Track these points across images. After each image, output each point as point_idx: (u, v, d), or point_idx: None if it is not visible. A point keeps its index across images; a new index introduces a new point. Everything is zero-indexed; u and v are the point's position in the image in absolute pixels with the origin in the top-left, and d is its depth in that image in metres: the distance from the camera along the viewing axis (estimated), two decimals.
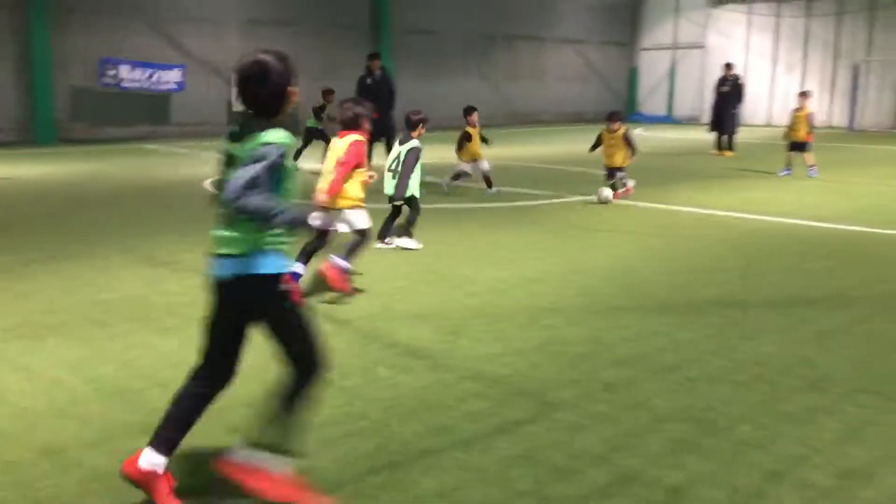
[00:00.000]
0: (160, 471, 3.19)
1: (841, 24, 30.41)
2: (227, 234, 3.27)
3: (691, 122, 33.40)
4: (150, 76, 22.52)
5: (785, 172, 14.87)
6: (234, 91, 25.16)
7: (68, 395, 4.38)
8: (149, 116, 23.05)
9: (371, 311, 5.99)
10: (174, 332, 5.47)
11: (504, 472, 3.55)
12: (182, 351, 5.10)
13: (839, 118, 30.36)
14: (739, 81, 20.28)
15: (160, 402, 4.27)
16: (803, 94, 15.61)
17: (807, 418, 4.15)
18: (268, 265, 3.18)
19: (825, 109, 30.99)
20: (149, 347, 5.17)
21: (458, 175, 12.57)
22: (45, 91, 21.21)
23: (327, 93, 15.30)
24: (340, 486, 3.42)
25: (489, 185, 12.41)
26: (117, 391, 4.44)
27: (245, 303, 3.24)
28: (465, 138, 12.38)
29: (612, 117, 12.19)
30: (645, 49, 36.17)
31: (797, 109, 15.19)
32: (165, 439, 3.25)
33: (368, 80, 14.79)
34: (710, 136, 20.46)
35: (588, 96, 35.00)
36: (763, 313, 6.05)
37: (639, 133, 27.78)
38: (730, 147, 19.29)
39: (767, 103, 32.14)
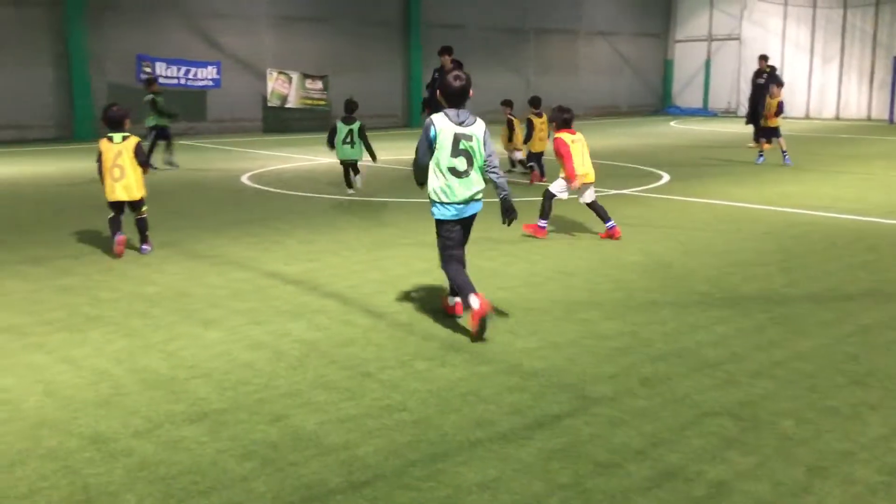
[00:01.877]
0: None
1: (880, 14, 29.82)
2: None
3: (727, 114, 33.00)
4: (186, 73, 22.76)
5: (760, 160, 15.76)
6: (269, 88, 25.28)
7: (113, 385, 4.46)
8: (185, 113, 23.29)
9: (408, 305, 6.02)
10: (216, 324, 5.55)
11: (544, 465, 3.55)
12: (225, 342, 5.18)
13: (878, 110, 29.81)
14: (776, 73, 19.98)
15: (204, 391, 4.37)
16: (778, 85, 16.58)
17: (851, 414, 4.09)
18: None
19: (864, 102, 30.46)
20: (191, 339, 5.25)
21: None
22: (83, 88, 21.55)
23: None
24: (381, 476, 3.45)
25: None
26: (161, 381, 4.51)
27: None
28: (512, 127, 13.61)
29: (535, 103, 13.52)
30: (679, 41, 35.78)
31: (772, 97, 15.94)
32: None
33: (436, 74, 13.91)
34: (747, 129, 20.19)
35: (621, 89, 34.73)
36: (804, 307, 5.97)
37: (674, 126, 27.51)
38: (767, 140, 19.01)
39: (805, 95, 31.65)
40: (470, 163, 5.44)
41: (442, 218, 5.52)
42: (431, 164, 5.42)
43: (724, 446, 3.73)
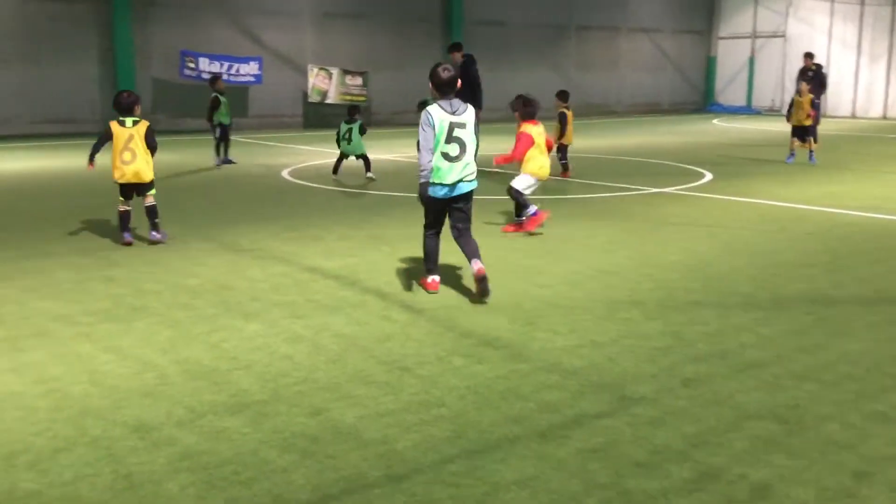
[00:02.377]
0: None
1: None
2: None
3: (771, 112, 32.47)
4: (229, 69, 23.02)
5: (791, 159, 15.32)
6: (310, 84, 25.48)
7: (157, 375, 4.54)
8: (228, 108, 23.55)
9: (446, 301, 6.02)
10: (257, 317, 5.61)
11: (583, 465, 3.53)
12: (265, 335, 5.23)
13: None
14: (822, 71, 19.59)
15: (245, 382, 4.42)
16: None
17: None
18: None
19: None
20: (233, 331, 5.31)
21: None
22: (127, 83, 21.91)
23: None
24: (419, 471, 3.46)
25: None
26: (204, 372, 4.58)
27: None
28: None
29: (565, 97, 13.59)
30: (723, 38, 35.28)
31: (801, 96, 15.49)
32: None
33: None
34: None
35: (663, 86, 34.36)
36: (851, 309, 5.85)
37: (716, 123, 27.14)
38: (801, 139, 18.67)
39: (851, 94, 31.02)
40: (462, 148, 5.94)
41: (433, 195, 6.04)
42: (434, 150, 5.95)
43: (767, 449, 3.67)
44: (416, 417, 4.00)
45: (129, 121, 7.70)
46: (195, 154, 16.78)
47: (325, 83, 24.63)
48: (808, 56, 19.74)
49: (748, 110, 33.63)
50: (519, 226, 8.54)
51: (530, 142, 8.34)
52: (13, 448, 3.66)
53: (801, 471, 3.48)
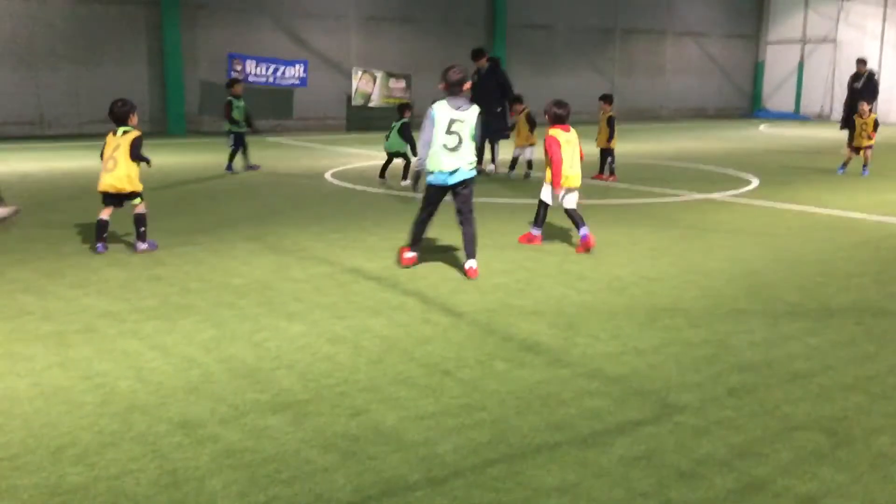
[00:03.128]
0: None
1: None
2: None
3: (820, 119, 31.86)
4: (275, 71, 23.30)
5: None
6: (354, 86, 25.65)
7: (201, 372, 4.60)
8: (273, 111, 23.86)
9: (487, 305, 6.01)
10: (300, 317, 5.65)
11: (625, 473, 3.49)
12: (307, 335, 5.27)
13: None
14: (874, 78, 19.20)
15: (288, 382, 4.46)
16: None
17: None
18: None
19: None
20: (276, 330, 5.36)
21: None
22: (176, 85, 22.32)
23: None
24: (460, 474, 3.45)
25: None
26: (248, 371, 4.62)
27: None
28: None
29: (610, 100, 13.54)
30: (771, 43, 34.73)
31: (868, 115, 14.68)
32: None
33: (474, 78, 13.89)
34: (842, 135, 19.45)
35: (710, 91, 33.94)
36: None
37: (763, 130, 26.72)
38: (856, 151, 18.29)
39: None
40: (460, 141, 6.72)
41: (432, 182, 6.87)
42: (434, 142, 6.73)
43: (814, 461, 3.59)
44: (457, 421, 3.99)
45: (120, 130, 7.64)
46: (239, 156, 16.98)
47: (369, 86, 24.78)
48: (861, 62, 19.37)
49: (796, 116, 33.05)
50: (534, 238, 8.15)
51: (559, 144, 7.77)
52: (61, 442, 3.74)
53: (849, 484, 3.40)
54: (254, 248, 7.90)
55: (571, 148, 7.85)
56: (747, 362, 4.85)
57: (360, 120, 25.10)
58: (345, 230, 8.85)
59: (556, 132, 7.83)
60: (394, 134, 12.68)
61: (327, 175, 13.88)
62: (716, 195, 11.65)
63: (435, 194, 6.94)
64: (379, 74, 24.82)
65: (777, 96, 34.54)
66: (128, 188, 7.62)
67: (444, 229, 8.92)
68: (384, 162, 13.07)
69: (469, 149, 6.77)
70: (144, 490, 3.31)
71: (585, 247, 7.79)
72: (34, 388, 4.36)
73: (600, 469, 3.52)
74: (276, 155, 17.31)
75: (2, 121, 20.70)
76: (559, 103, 7.99)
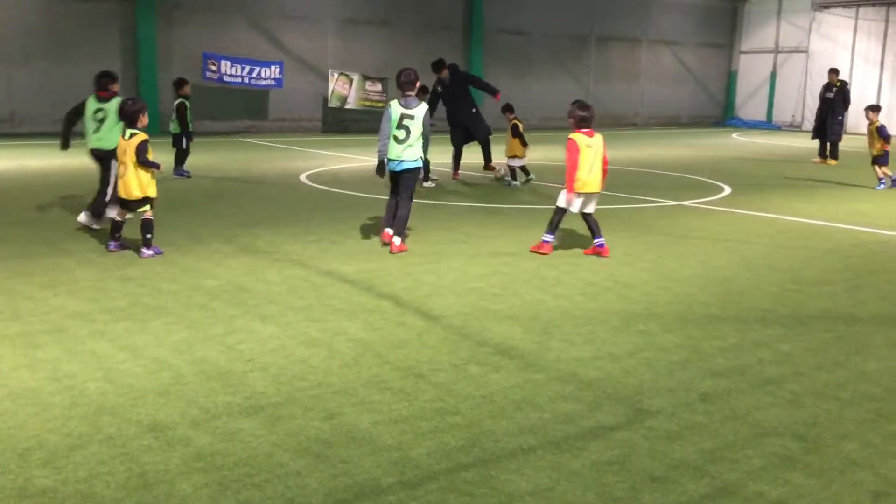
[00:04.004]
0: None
1: None
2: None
3: (792, 128, 32.28)
4: (250, 72, 23.14)
5: (880, 186, 14.10)
6: (330, 89, 25.47)
7: (172, 374, 4.54)
8: (248, 111, 23.68)
9: (462, 309, 6.01)
10: (273, 319, 5.61)
11: (598, 477, 3.49)
12: (281, 337, 5.23)
13: None
14: (846, 88, 19.48)
15: (261, 385, 4.42)
16: (871, 109, 14.62)
17: None
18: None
19: None
20: (249, 332, 5.31)
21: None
22: (150, 84, 22.08)
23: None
24: (433, 478, 3.44)
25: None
26: (219, 373, 4.58)
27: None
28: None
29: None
30: (745, 52, 35.12)
31: (869, 124, 14.32)
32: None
33: (439, 88, 14.11)
34: (813, 144, 19.73)
35: (683, 99, 34.22)
36: (871, 328, 5.79)
37: (736, 138, 27.03)
38: (833, 155, 18.56)
39: None
40: (408, 134, 7.96)
41: (389, 168, 8.07)
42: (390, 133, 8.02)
43: (785, 467, 3.63)
44: (431, 425, 3.98)
45: (128, 133, 7.40)
46: (215, 156, 16.87)
47: (346, 89, 24.70)
48: (833, 72, 19.62)
49: (768, 125, 33.44)
50: (545, 244, 7.93)
51: (577, 149, 7.59)
52: (28, 444, 3.67)
53: (819, 490, 3.44)
54: (227, 250, 7.83)
55: (593, 152, 7.64)
56: (719, 368, 4.89)
57: (336, 122, 25.00)
58: (320, 232, 8.80)
59: (577, 136, 7.66)
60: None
61: (302, 177, 13.81)
62: (689, 202, 11.75)
63: (391, 179, 8.24)
64: (355, 77, 24.75)
65: (749, 105, 34.93)
66: (137, 194, 7.38)
67: (416, 235, 8.92)
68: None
69: (414, 142, 7.99)
70: (113, 493, 3.26)
71: (596, 253, 7.87)
72: (1, 390, 4.28)
73: (573, 473, 3.52)
74: (250, 156, 17.19)
75: None
76: (583, 106, 7.78)
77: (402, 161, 7.98)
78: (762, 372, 4.84)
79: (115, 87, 8.96)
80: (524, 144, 13.20)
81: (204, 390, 4.33)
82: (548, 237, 7.97)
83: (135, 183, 7.37)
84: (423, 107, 8.04)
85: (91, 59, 21.62)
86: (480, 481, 3.43)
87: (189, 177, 13.36)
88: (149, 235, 7.48)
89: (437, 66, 14.16)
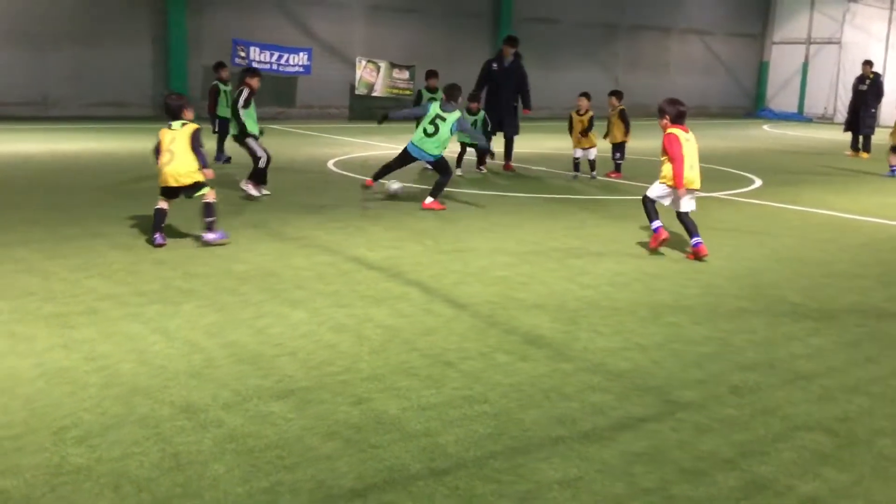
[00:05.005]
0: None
1: None
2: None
3: (823, 120, 31.85)
4: (279, 59, 23.21)
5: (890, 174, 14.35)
6: (357, 76, 25.57)
7: (204, 357, 4.59)
8: (276, 98, 23.77)
9: (489, 297, 6.01)
10: (302, 304, 5.65)
11: (627, 468, 3.49)
12: (310, 323, 5.27)
13: None
14: (880, 80, 19.15)
15: (290, 368, 4.46)
16: None
17: None
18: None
19: None
20: (279, 317, 5.35)
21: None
22: (179, 70, 22.25)
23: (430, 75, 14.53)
24: (462, 466, 3.46)
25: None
26: (250, 357, 4.62)
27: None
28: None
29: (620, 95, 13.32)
30: (776, 42, 34.67)
31: None
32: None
33: (494, 66, 13.49)
34: (845, 136, 19.45)
35: (713, 90, 33.86)
36: None
37: (766, 129, 26.72)
38: (866, 148, 18.29)
39: None
40: (436, 131, 9.62)
41: (408, 147, 9.81)
42: (422, 122, 9.83)
43: (817, 462, 3.60)
44: (459, 412, 3.99)
45: (177, 123, 7.45)
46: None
47: (373, 76, 24.72)
48: (867, 64, 19.29)
49: (799, 117, 33.01)
50: (659, 234, 7.56)
51: (680, 143, 7.37)
52: (63, 423, 3.73)
53: (851, 485, 3.41)
54: (256, 235, 7.88)
55: (691, 147, 7.45)
56: (749, 361, 4.85)
57: (364, 110, 25.03)
58: (347, 219, 8.83)
59: (676, 131, 7.43)
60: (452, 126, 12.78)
61: (330, 164, 13.86)
62: (718, 194, 11.64)
63: (403, 157, 9.92)
64: (383, 64, 24.75)
65: (780, 96, 34.49)
66: (189, 180, 7.35)
67: (442, 223, 8.94)
68: (458, 153, 13.04)
69: (438, 140, 9.64)
70: (147, 473, 3.31)
71: (697, 255, 7.41)
72: (36, 369, 4.35)
73: (603, 464, 3.52)
74: (278, 143, 17.25)
75: (5, 101, 20.63)
76: (678, 101, 7.57)
77: (422, 151, 9.69)
78: (793, 366, 4.79)
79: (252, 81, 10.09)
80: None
81: (235, 373, 4.37)
82: (655, 224, 7.56)
83: (185, 170, 7.33)
84: (457, 113, 9.74)
85: (121, 45, 21.83)
86: (509, 469, 3.44)
87: (226, 161, 13.36)
88: (212, 219, 7.37)
89: (509, 41, 13.52)
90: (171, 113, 7.56)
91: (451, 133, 9.65)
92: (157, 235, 7.33)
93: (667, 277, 6.78)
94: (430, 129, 9.60)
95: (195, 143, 7.39)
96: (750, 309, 5.96)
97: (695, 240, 7.46)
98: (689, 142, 7.45)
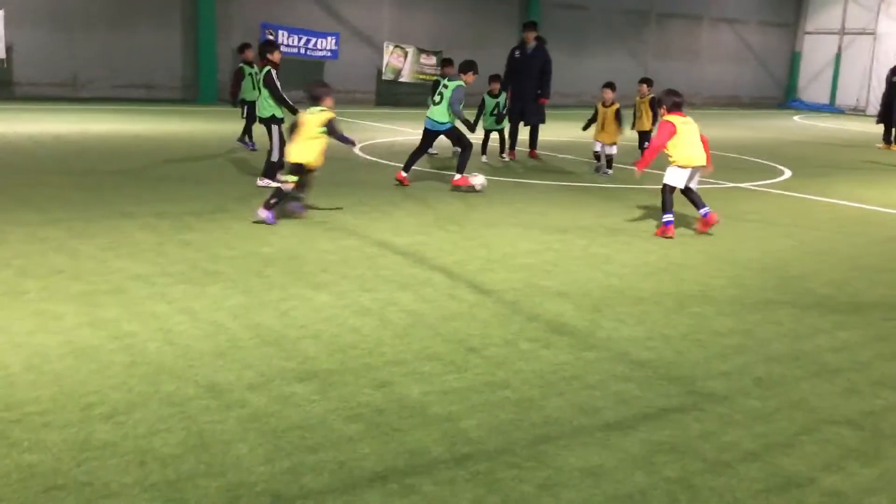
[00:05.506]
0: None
1: None
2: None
3: (856, 112, 31.35)
4: (307, 43, 23.23)
5: None
6: (384, 61, 25.48)
7: (229, 338, 4.63)
8: (303, 82, 23.74)
9: (513, 284, 6.00)
10: (326, 288, 5.67)
11: (649, 457, 3.48)
12: (334, 306, 5.29)
13: None
14: None
15: (313, 351, 4.48)
16: None
17: None
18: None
19: None
20: (303, 300, 5.38)
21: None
22: (208, 53, 22.35)
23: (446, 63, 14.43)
24: (484, 451, 3.46)
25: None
26: (274, 339, 4.65)
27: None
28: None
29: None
30: (809, 32, 34.14)
31: None
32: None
33: (517, 53, 13.34)
34: (877, 129, 19.14)
35: (744, 79, 33.45)
36: None
37: (797, 120, 26.36)
38: None
39: None
40: (441, 99, 9.95)
41: (426, 128, 10.20)
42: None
43: (842, 455, 3.56)
44: (482, 398, 4.00)
45: (316, 109, 8.05)
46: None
47: (400, 61, 24.68)
48: None
49: (831, 108, 32.53)
50: (667, 227, 7.88)
51: (671, 131, 7.81)
52: (90, 400, 3.79)
53: (877, 479, 3.37)
54: (283, 218, 7.92)
55: (690, 129, 7.91)
56: (775, 353, 4.80)
57: (390, 95, 25.02)
58: (372, 203, 8.85)
59: (672, 118, 7.93)
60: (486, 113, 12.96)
61: (355, 149, 13.87)
62: (747, 185, 11.52)
63: (425, 134, 10.25)
64: (410, 50, 24.69)
65: (812, 87, 34.00)
66: (312, 163, 7.98)
67: (466, 210, 8.92)
68: (482, 140, 13.05)
69: (440, 108, 9.93)
70: (172, 450, 3.35)
71: (707, 223, 7.96)
72: (65, 346, 4.41)
73: (625, 453, 3.51)
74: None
75: (36, 81, 20.86)
76: (674, 92, 8.19)
77: (433, 121, 10.04)
78: (819, 359, 4.74)
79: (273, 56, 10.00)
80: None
81: (259, 354, 4.41)
82: (666, 217, 7.91)
83: (307, 150, 7.94)
84: (455, 83, 9.93)
85: (151, 27, 21.96)
86: (531, 455, 3.44)
87: (253, 149, 12.92)
88: (301, 194, 8.05)
89: (529, 26, 13.47)
90: (313, 99, 8.15)
91: (455, 100, 9.83)
92: (293, 205, 8.04)
93: (693, 267, 6.72)
94: (437, 98, 9.99)
95: (331, 129, 8.00)
96: (776, 301, 5.90)
97: (704, 210, 7.96)
98: (686, 125, 7.94)
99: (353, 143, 8.58)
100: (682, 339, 4.98)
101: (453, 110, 9.82)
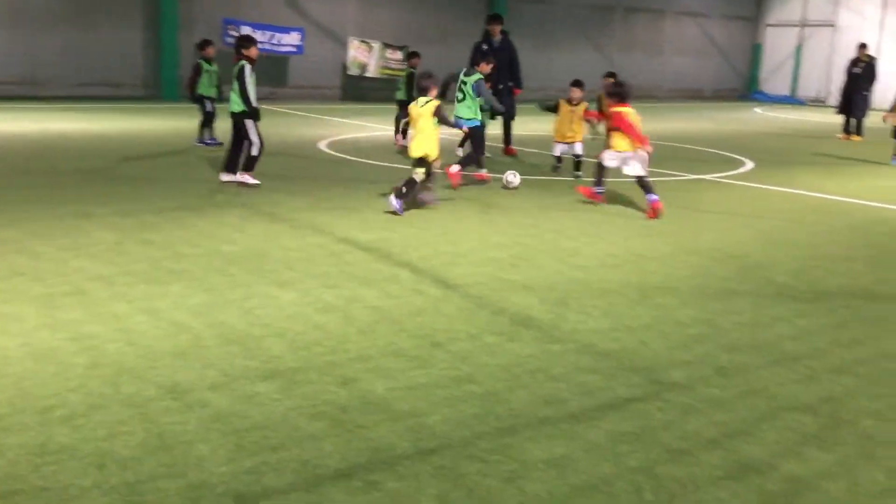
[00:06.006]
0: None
1: None
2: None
3: (816, 103, 31.84)
4: (271, 38, 23.03)
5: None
6: (349, 56, 25.31)
7: (191, 338, 4.58)
8: (268, 78, 23.57)
9: (479, 278, 6.01)
10: (291, 286, 5.63)
11: (614, 447, 3.50)
12: (298, 303, 5.26)
13: None
14: (873, 63, 19.13)
15: (278, 349, 4.45)
16: None
17: None
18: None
19: None
20: (267, 298, 5.34)
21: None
22: (171, 49, 22.05)
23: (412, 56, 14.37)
24: (448, 445, 3.46)
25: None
26: (237, 338, 4.61)
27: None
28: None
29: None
30: (770, 25, 34.57)
31: None
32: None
33: (484, 47, 13.01)
34: (837, 119, 19.45)
35: (707, 72, 33.79)
36: (892, 306, 5.74)
37: (759, 112, 26.70)
38: (858, 132, 18.30)
39: None
40: (464, 96, 10.09)
41: (458, 127, 9.87)
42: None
43: (801, 442, 3.62)
44: (447, 392, 4.00)
45: (422, 100, 8.35)
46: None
47: (365, 56, 24.56)
48: (862, 47, 19.27)
49: (792, 100, 32.99)
50: (597, 195, 9.06)
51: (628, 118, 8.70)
52: (48, 403, 3.72)
53: (835, 465, 3.43)
54: (246, 215, 7.85)
55: (635, 119, 8.77)
56: (736, 342, 4.87)
57: (356, 90, 24.90)
58: (338, 200, 8.81)
59: (623, 109, 8.70)
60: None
61: (321, 145, 13.80)
62: (709, 176, 11.65)
63: (464, 133, 10.24)
64: (376, 45, 24.59)
65: (774, 79, 34.45)
66: (432, 154, 8.30)
67: (443, 209, 8.91)
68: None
69: (466, 104, 10.05)
70: (132, 452, 3.31)
71: (655, 211, 8.47)
72: (23, 349, 4.34)
73: (590, 443, 3.53)
74: (269, 123, 17.11)
75: None
76: (621, 84, 9.22)
77: (460, 118, 9.94)
78: (779, 347, 4.81)
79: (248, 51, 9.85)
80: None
81: (222, 354, 4.36)
82: (600, 189, 9.10)
83: (424, 144, 8.24)
84: (475, 76, 10.17)
85: (112, 24, 21.62)
86: (495, 449, 3.45)
87: (218, 144, 12.63)
88: (406, 189, 8.21)
89: (495, 19, 13.29)
90: (420, 90, 8.60)
91: (475, 94, 9.98)
92: (425, 195, 8.50)
93: (657, 259, 6.78)
94: (460, 95, 10.13)
95: (440, 117, 8.32)
96: (738, 290, 5.98)
97: (652, 197, 8.52)
98: (634, 115, 8.79)
99: (459, 127, 9.56)
100: (645, 330, 5.02)
101: (485, 98, 10.20)
